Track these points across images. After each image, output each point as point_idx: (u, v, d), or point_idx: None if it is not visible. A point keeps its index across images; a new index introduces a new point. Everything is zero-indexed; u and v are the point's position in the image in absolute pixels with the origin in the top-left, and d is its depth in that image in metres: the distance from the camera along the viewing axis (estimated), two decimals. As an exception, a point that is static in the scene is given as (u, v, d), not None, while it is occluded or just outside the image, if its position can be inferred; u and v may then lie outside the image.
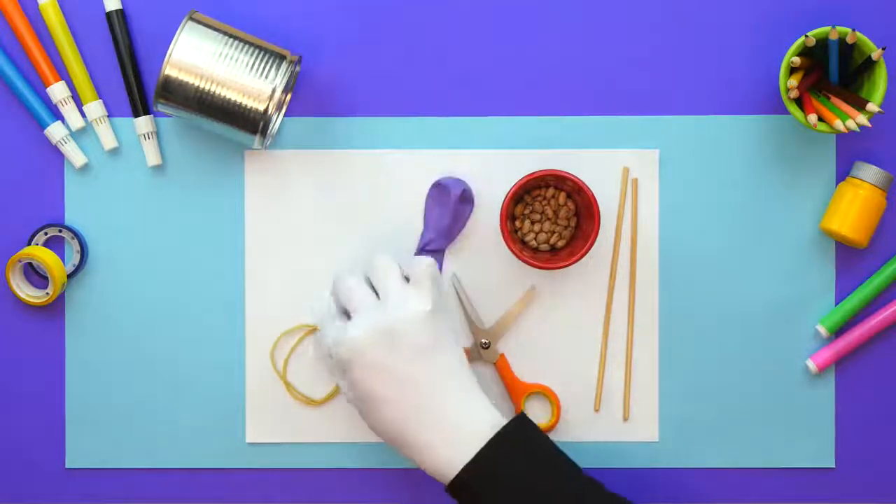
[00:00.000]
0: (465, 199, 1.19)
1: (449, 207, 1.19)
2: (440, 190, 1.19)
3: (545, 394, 1.20)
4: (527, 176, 1.15)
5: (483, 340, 1.20)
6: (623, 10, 1.21)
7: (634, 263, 1.21)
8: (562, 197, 1.19)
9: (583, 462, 1.21)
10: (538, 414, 1.21)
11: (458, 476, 1.08)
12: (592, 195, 1.15)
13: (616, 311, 1.21)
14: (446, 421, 1.09)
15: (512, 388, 1.20)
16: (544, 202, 1.19)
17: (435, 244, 1.20)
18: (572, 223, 1.19)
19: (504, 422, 1.10)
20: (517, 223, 1.19)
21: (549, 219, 1.19)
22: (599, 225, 1.16)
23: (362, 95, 1.21)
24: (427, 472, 1.10)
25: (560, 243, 1.19)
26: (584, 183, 1.16)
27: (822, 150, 1.21)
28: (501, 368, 1.20)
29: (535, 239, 1.19)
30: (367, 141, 1.21)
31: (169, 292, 1.21)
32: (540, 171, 1.16)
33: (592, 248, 1.21)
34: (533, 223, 1.19)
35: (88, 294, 1.21)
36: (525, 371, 1.21)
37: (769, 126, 1.21)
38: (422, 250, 1.20)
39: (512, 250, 1.15)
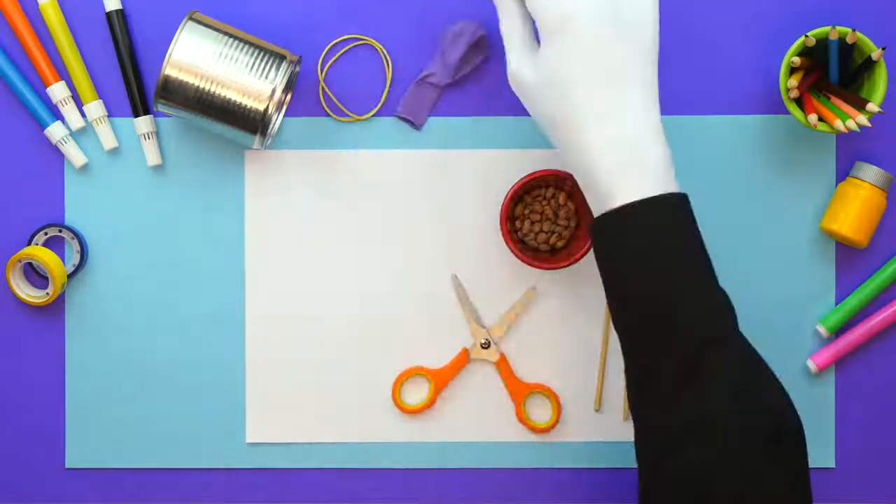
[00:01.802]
0: (480, 46, 1.19)
1: (461, 47, 1.18)
2: (460, 28, 1.18)
3: (545, 394, 1.20)
4: (527, 176, 1.15)
5: (483, 340, 1.20)
6: (623, 10, 1.20)
7: (634, 263, 1.21)
8: (562, 197, 1.19)
9: (583, 462, 1.21)
10: (538, 413, 1.21)
11: (625, 206, 1.00)
12: (592, 195, 1.15)
13: (616, 311, 1.21)
14: (626, 130, 1.02)
15: (512, 388, 1.20)
16: (544, 202, 1.19)
17: (436, 78, 1.19)
18: (572, 223, 1.19)
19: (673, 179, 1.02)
20: (517, 223, 1.19)
21: (549, 219, 1.19)
22: (599, 225, 1.16)
23: (362, 95, 1.21)
24: (582, 179, 1.03)
25: (560, 243, 1.19)
26: (584, 183, 1.16)
27: (822, 150, 1.21)
28: (502, 368, 1.20)
29: (535, 239, 1.19)
30: (367, 141, 1.21)
31: (169, 292, 1.21)
32: (540, 171, 1.16)
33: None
34: (533, 223, 1.19)
35: (88, 294, 1.21)
36: (525, 371, 1.21)
37: (769, 126, 1.21)
38: (422, 80, 1.19)
39: (512, 250, 1.15)
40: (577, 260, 1.15)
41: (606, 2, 1.03)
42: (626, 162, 1.01)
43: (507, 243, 1.15)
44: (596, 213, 1.03)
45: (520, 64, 1.06)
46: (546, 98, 1.04)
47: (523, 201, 1.20)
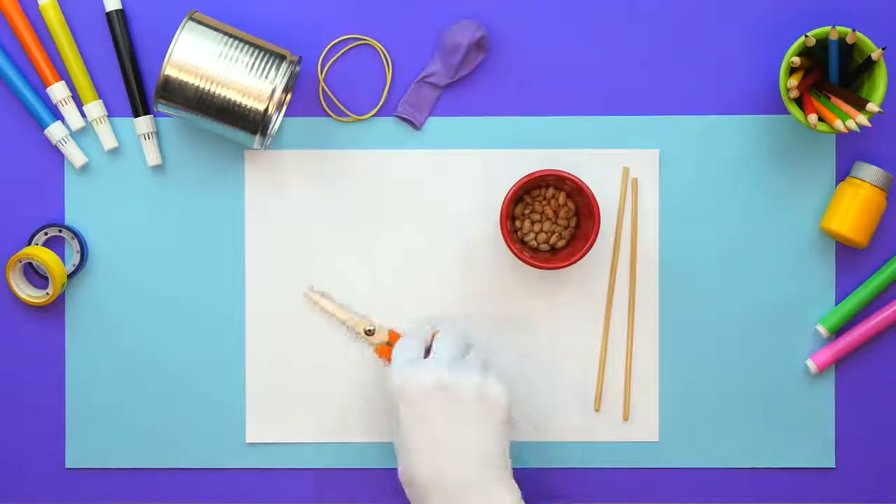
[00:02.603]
0: (480, 46, 1.19)
1: (461, 47, 1.18)
2: (460, 28, 1.18)
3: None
4: (527, 176, 1.15)
5: (367, 327, 1.20)
6: (623, 10, 1.21)
7: (634, 263, 1.21)
8: (562, 197, 1.19)
9: (583, 462, 1.21)
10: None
11: None
12: (592, 195, 1.15)
13: (616, 311, 1.21)
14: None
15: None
16: (544, 202, 1.19)
17: (436, 78, 1.19)
18: (572, 223, 1.19)
19: None
20: (517, 223, 1.19)
21: (549, 219, 1.19)
22: (599, 225, 1.16)
23: (362, 95, 1.21)
24: None
25: (560, 243, 1.19)
26: (584, 183, 1.16)
27: (822, 150, 1.21)
28: (382, 353, 1.20)
29: (535, 239, 1.19)
30: (367, 141, 1.21)
31: (169, 292, 1.21)
32: (540, 171, 1.16)
33: (592, 248, 1.21)
34: (533, 223, 1.19)
35: (88, 294, 1.21)
36: (525, 371, 1.21)
37: (769, 126, 1.21)
38: (422, 80, 1.19)
39: (512, 250, 1.15)
40: (577, 260, 1.15)
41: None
42: None
43: (507, 243, 1.15)
44: None
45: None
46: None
47: (523, 201, 1.20)
